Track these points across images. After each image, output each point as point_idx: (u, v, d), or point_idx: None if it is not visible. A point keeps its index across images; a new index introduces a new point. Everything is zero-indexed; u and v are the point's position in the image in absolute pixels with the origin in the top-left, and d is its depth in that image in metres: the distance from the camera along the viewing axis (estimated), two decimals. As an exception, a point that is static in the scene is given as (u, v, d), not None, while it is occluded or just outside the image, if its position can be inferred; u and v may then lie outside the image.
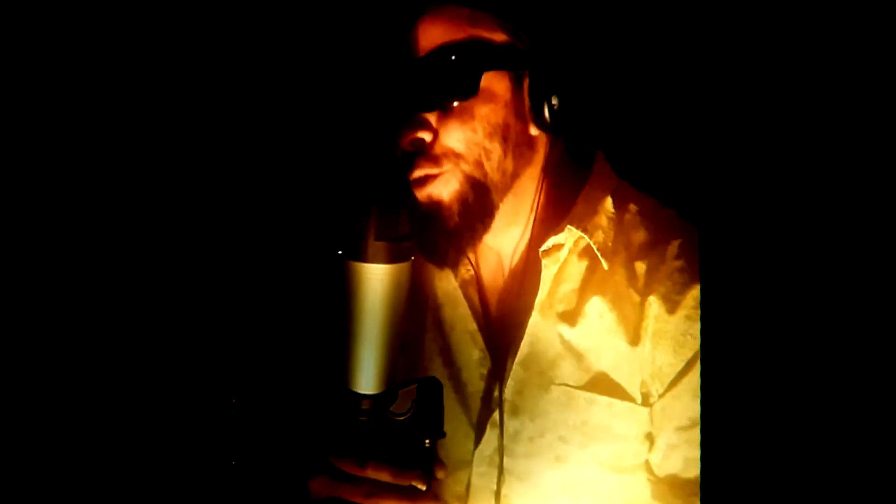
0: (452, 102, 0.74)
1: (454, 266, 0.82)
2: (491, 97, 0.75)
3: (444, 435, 0.71)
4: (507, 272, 0.85)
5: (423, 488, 0.68)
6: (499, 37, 0.75)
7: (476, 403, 0.82)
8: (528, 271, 0.82)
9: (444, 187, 0.75)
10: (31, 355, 1.02)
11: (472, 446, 0.82)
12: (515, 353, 0.80)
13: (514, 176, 0.78)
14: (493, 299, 0.85)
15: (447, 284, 0.85)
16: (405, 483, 0.67)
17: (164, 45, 1.05)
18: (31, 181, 1.03)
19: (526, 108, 0.76)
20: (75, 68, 1.02)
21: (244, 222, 0.99)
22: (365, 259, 0.64)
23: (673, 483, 0.78)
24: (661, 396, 0.78)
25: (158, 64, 1.05)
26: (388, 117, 0.76)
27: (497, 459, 0.80)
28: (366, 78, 0.80)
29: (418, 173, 0.75)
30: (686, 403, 0.76)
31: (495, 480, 0.80)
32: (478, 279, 0.86)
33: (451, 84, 0.73)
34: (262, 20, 1.09)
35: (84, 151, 1.03)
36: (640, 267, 0.79)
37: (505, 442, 0.79)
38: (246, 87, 1.09)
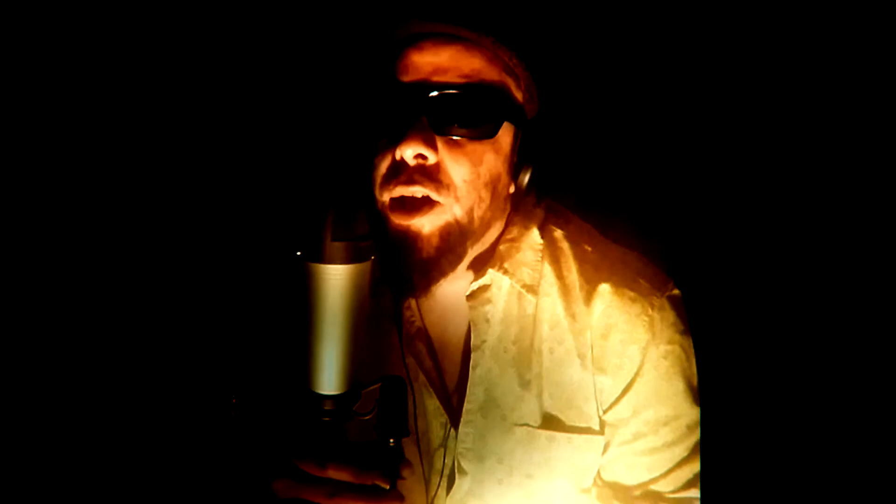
0: (472, 136, 0.73)
1: (406, 309, 0.83)
2: (498, 148, 0.76)
3: (408, 433, 0.71)
4: (450, 320, 0.84)
5: (387, 487, 0.68)
6: (520, 95, 0.77)
7: (440, 452, 0.82)
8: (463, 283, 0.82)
9: (432, 219, 0.74)
10: (16, 360, 1.02)
11: (436, 493, 0.83)
12: (467, 401, 0.81)
13: (487, 227, 0.79)
14: (442, 349, 0.84)
15: (395, 338, 0.84)
16: (367, 482, 0.67)
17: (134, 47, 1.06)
18: (14, 183, 1.04)
19: (512, 165, 0.78)
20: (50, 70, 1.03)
21: (205, 225, 0.99)
22: (323, 260, 0.65)
23: (616, 487, 0.82)
24: (605, 413, 0.80)
25: (132, 66, 1.05)
26: (370, 126, 0.76)
27: (469, 501, 0.81)
28: (349, 82, 0.80)
29: (415, 190, 0.73)
30: (628, 421, 0.80)
31: None
32: (425, 330, 0.85)
33: (478, 118, 0.73)
34: (249, 21, 1.09)
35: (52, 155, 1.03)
36: (577, 295, 0.81)
37: (474, 486, 0.81)
38: (220, 91, 1.09)
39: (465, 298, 0.82)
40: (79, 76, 1.09)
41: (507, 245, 0.82)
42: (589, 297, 0.81)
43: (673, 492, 0.81)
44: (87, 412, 1.01)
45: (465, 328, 0.83)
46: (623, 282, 0.81)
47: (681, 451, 0.80)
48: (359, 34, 0.78)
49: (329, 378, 0.67)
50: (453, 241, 0.75)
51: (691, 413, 0.80)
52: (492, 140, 0.75)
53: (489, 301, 0.81)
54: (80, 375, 1.01)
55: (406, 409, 0.72)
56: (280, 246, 0.80)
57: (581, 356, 0.80)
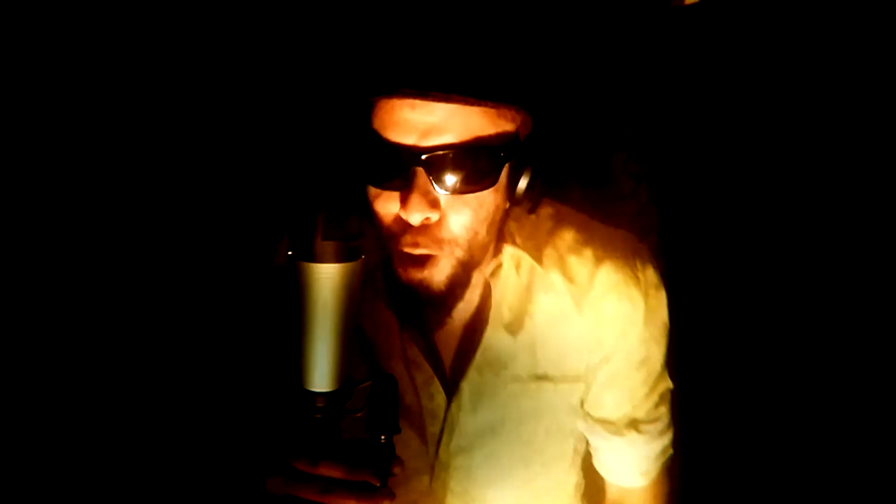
0: (475, 189, 0.73)
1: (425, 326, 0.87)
2: (498, 185, 0.76)
3: (399, 430, 0.72)
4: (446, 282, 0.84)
5: (378, 484, 0.69)
6: (515, 126, 0.76)
7: (427, 419, 0.89)
8: (472, 293, 0.86)
9: (438, 271, 0.76)
10: (16, 360, 1.03)
11: (430, 454, 0.90)
12: (469, 364, 0.87)
13: (486, 248, 0.82)
14: (439, 324, 0.87)
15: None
16: (359, 479, 0.68)
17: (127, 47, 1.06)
18: (10, 184, 1.05)
19: (508, 187, 0.78)
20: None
21: (197, 224, 1.00)
22: (314, 259, 0.65)
23: (604, 423, 0.94)
24: (596, 367, 0.90)
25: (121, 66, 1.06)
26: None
27: (460, 459, 0.90)
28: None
29: (419, 251, 0.74)
30: (618, 365, 0.90)
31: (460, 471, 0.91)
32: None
33: (480, 173, 0.73)
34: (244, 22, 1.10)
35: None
36: (573, 263, 0.87)
37: (473, 439, 0.90)
38: (214, 93, 1.10)
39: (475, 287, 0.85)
40: (77, 77, 1.10)
41: (515, 223, 0.87)
42: (585, 261, 0.87)
43: (647, 412, 0.94)
44: (81, 411, 1.02)
45: (466, 303, 0.86)
46: (612, 245, 0.89)
47: (655, 380, 0.93)
48: (345, 92, 0.76)
49: (321, 376, 0.68)
50: (458, 279, 0.78)
51: (664, 349, 0.93)
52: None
53: (499, 276, 0.87)
54: (73, 374, 1.02)
55: (398, 406, 0.72)
56: (271, 246, 0.80)
57: (579, 313, 0.87)
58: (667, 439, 0.97)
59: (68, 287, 1.05)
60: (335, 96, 0.78)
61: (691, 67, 1.90)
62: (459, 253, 0.76)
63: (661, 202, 1.99)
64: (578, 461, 1.00)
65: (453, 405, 0.88)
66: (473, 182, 0.73)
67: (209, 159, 1.09)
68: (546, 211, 0.90)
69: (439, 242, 0.75)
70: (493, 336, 0.87)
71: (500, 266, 0.86)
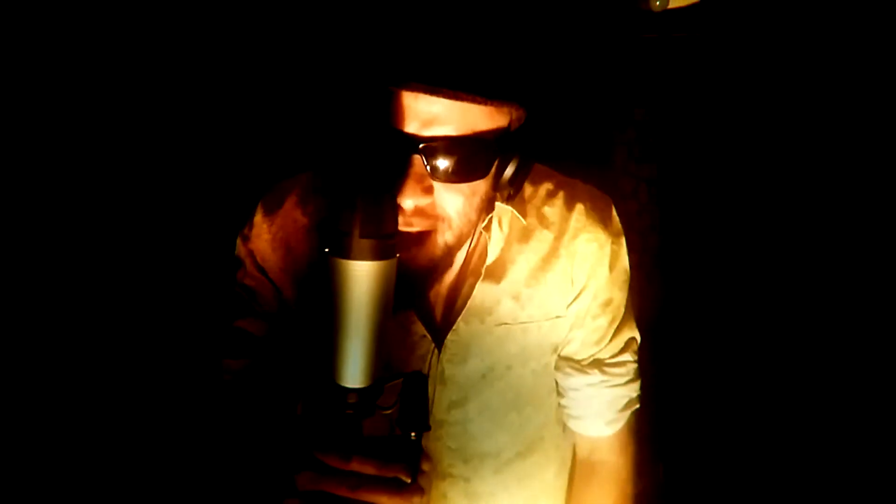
0: (469, 179, 0.75)
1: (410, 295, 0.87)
2: (489, 174, 0.78)
3: (429, 428, 0.73)
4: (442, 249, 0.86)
5: (409, 481, 0.69)
6: (510, 119, 0.78)
7: (420, 365, 0.90)
8: (461, 248, 0.88)
9: (423, 251, 0.78)
10: (16, 361, 1.02)
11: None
12: (456, 316, 0.90)
13: (471, 230, 0.84)
14: (424, 280, 0.89)
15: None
16: (390, 475, 0.68)
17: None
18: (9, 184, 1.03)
19: (497, 172, 0.80)
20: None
21: (224, 218, 1.00)
22: (350, 256, 0.65)
23: (569, 361, 0.98)
24: (573, 299, 0.95)
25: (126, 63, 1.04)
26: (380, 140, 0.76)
27: (454, 413, 0.92)
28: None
29: (410, 228, 0.76)
30: (587, 304, 0.95)
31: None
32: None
33: (475, 165, 0.75)
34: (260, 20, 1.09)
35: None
36: (548, 212, 0.93)
37: (465, 391, 0.92)
38: (231, 87, 1.09)
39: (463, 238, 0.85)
40: (77, 77, 1.08)
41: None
42: (559, 208, 0.94)
43: (612, 356, 0.99)
44: (95, 410, 1.01)
45: (451, 256, 0.87)
46: (581, 195, 0.96)
47: (619, 324, 0.98)
48: (351, 80, 0.78)
49: (354, 372, 0.68)
50: (442, 257, 0.81)
51: (625, 294, 0.99)
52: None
53: (490, 229, 0.90)
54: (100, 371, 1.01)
55: (427, 403, 0.73)
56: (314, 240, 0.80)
57: (554, 254, 0.93)
58: (632, 390, 1.00)
59: (82, 285, 1.04)
60: (345, 84, 0.78)
61: (691, 67, 1.92)
62: (448, 235, 0.79)
63: (661, 202, 2.01)
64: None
65: (443, 358, 0.90)
66: (467, 172, 0.75)
67: (218, 153, 1.08)
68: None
69: (433, 219, 0.77)
70: (479, 286, 0.90)
71: (491, 220, 0.89)
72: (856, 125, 1.72)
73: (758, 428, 1.61)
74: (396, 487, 0.68)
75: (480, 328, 0.91)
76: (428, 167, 0.73)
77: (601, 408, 1.00)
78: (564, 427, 1.05)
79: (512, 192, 0.82)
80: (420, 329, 0.89)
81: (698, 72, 1.92)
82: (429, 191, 0.75)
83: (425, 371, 0.90)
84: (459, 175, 0.74)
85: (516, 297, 0.92)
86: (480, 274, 0.90)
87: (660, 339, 1.63)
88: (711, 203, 1.92)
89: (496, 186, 0.81)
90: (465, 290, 0.91)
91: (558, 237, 0.93)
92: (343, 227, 0.66)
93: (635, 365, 1.01)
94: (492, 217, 0.89)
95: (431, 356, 0.90)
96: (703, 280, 1.81)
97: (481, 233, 0.89)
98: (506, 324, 0.92)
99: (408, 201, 0.74)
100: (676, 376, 0.97)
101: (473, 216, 0.80)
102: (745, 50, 1.87)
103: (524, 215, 0.92)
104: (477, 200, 0.79)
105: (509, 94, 0.73)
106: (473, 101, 0.71)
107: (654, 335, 1.24)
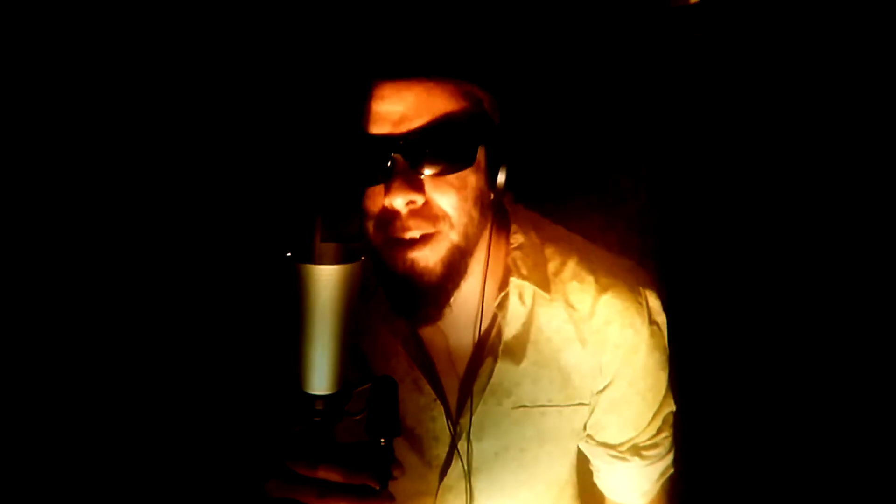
0: (454, 169, 0.75)
1: (423, 321, 0.84)
2: (476, 166, 0.77)
3: (399, 433, 0.72)
4: (453, 321, 0.86)
5: (378, 488, 0.68)
6: (475, 107, 0.77)
7: (429, 442, 0.89)
8: (475, 319, 0.87)
9: (432, 251, 0.76)
10: (16, 361, 1.02)
11: (431, 478, 0.91)
12: (473, 393, 0.87)
13: (478, 237, 0.81)
14: (437, 348, 0.89)
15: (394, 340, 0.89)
16: (358, 482, 0.67)
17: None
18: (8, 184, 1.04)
19: (487, 173, 0.79)
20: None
21: (196, 227, 1.00)
22: (313, 261, 0.65)
23: (606, 446, 0.95)
24: (599, 393, 0.91)
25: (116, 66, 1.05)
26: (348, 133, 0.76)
27: (463, 483, 0.91)
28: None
29: (411, 233, 0.75)
30: (622, 391, 0.91)
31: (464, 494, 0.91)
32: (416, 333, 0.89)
33: (456, 152, 0.75)
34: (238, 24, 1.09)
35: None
36: (575, 289, 0.89)
37: (477, 464, 0.90)
38: (212, 93, 1.09)
39: (476, 302, 0.86)
40: (77, 76, 1.09)
41: (519, 252, 0.88)
42: (588, 289, 0.89)
43: (651, 437, 0.94)
44: (76, 411, 1.01)
45: (471, 328, 0.88)
46: (615, 273, 0.90)
47: (659, 405, 0.93)
48: (319, 85, 0.78)
49: (320, 378, 0.67)
50: (455, 264, 0.78)
51: (665, 372, 0.93)
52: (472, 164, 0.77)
53: (506, 307, 0.87)
54: (74, 375, 1.01)
55: (397, 408, 0.72)
56: (271, 247, 0.80)
57: (582, 341, 0.88)
58: (668, 461, 0.97)
59: (63, 289, 1.05)
60: (320, 93, 0.78)
61: (691, 67, 1.90)
62: (454, 236, 0.76)
63: (661, 202, 1.99)
64: (574, 473, 1.02)
65: (458, 434, 0.88)
66: (450, 161, 0.74)
67: (204, 161, 1.08)
68: (551, 239, 0.91)
69: (431, 220, 0.75)
70: (497, 366, 0.87)
71: (506, 297, 0.87)
72: (856, 125, 1.70)
73: (758, 428, 1.59)
74: (365, 495, 0.67)
75: (498, 410, 0.88)
76: (410, 163, 0.72)
77: (637, 482, 0.97)
78: (573, 495, 1.03)
79: (503, 196, 0.81)
80: (430, 393, 0.88)
81: (698, 71, 1.90)
82: (418, 188, 0.74)
83: (442, 440, 0.89)
84: (443, 162, 0.74)
85: (536, 380, 0.89)
86: (498, 354, 0.87)
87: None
88: (711, 203, 1.90)
89: (492, 187, 0.79)
90: (480, 365, 0.88)
91: (585, 321, 0.88)
92: (305, 232, 0.65)
93: (671, 437, 0.96)
94: (507, 295, 0.87)
95: (442, 421, 0.88)
96: (703, 280, 1.79)
97: (498, 309, 0.87)
98: (524, 406, 0.89)
99: (398, 199, 0.73)
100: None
101: (474, 212, 0.78)
102: (745, 50, 1.86)
103: (546, 290, 0.88)
104: (469, 192, 0.77)
105: (452, 71, 0.73)
106: (420, 83, 0.71)
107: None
